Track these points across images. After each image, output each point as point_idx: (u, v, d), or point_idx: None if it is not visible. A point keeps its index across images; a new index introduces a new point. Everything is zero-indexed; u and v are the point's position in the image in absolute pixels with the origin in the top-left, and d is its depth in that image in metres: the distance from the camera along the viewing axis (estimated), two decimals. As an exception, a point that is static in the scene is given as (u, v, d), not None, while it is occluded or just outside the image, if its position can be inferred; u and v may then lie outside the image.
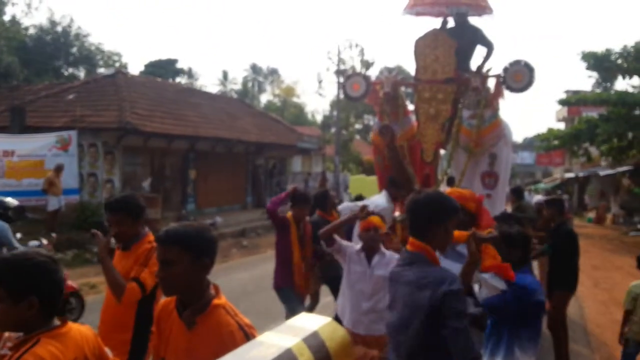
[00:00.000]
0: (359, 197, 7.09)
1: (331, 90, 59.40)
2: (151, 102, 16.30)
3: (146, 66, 40.47)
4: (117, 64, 32.33)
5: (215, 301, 2.05)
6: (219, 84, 53.45)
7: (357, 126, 38.61)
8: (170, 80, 34.15)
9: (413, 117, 6.10)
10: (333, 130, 31.88)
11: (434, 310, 2.20)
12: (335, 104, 32.03)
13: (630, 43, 21.67)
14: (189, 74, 45.99)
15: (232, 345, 1.38)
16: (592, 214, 26.50)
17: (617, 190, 26.60)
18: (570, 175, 33.89)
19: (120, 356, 3.06)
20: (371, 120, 35.46)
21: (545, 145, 25.43)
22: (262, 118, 24.27)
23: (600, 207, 26.43)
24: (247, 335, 2.01)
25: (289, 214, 5.24)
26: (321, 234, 4.08)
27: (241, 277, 10.21)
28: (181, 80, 42.72)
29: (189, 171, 17.62)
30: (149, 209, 13.42)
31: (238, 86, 54.76)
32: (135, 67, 70.39)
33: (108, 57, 33.73)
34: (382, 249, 4.02)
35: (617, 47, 21.46)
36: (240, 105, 25.13)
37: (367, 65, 29.43)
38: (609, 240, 18.87)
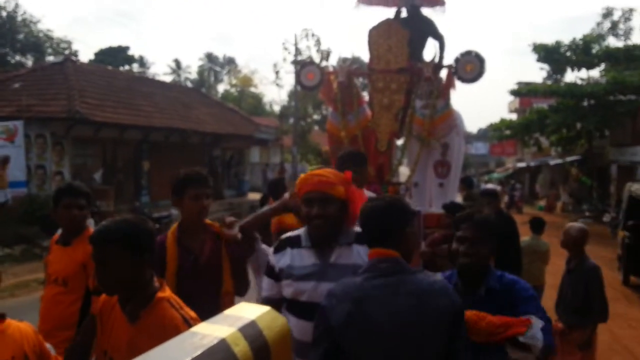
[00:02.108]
0: None
1: (289, 80, 59.26)
2: (102, 91, 15.85)
3: (96, 54, 39.22)
4: (67, 52, 31.24)
5: (160, 294, 1.98)
6: (172, 73, 52.42)
7: (316, 117, 38.57)
8: (122, 69, 33.26)
9: (367, 107, 6.11)
10: (291, 120, 31.76)
11: (453, 318, 1.90)
12: (293, 94, 31.91)
13: (579, 36, 22.47)
14: (141, 62, 44.86)
15: None
16: (543, 202, 27.42)
17: (566, 179, 27.58)
18: (522, 164, 34.94)
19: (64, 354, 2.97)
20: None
21: (498, 135, 26.11)
22: (219, 108, 23.95)
23: (550, 196, 27.37)
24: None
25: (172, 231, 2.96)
26: (242, 225, 2.99)
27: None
28: (133, 68, 41.63)
29: (143, 162, 17.24)
30: (101, 202, 13.22)
31: (193, 75, 53.86)
32: (86, 55, 68.26)
33: (57, 44, 32.58)
34: None
35: (566, 40, 22.21)
36: (196, 95, 24.73)
37: (324, 55, 29.38)
38: (559, 227, 19.42)
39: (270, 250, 2.73)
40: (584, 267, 4.44)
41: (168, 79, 47.14)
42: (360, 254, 2.35)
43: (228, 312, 1.20)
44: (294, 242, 2.47)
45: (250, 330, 1.11)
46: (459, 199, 6.57)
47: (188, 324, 1.92)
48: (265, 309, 1.25)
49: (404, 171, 6.66)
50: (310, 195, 2.39)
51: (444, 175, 5.86)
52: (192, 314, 2.04)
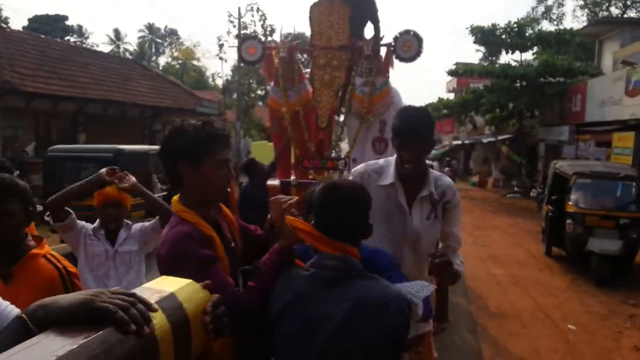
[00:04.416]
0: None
1: (233, 54, 58.06)
2: (34, 60, 15.16)
3: (30, 21, 37.13)
4: (-6, 17, 29.39)
5: (35, 250, 1.97)
6: (111, 43, 50.32)
7: (259, 92, 38.20)
8: (58, 39, 31.66)
9: (308, 83, 6.19)
10: (235, 95, 31.36)
11: (396, 336, 1.67)
12: (237, 69, 31.46)
13: (514, 19, 23.21)
14: (79, 32, 42.81)
15: (52, 294, 1.08)
16: (475, 178, 28.52)
17: (498, 156, 28.77)
18: (458, 142, 36.04)
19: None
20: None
21: (436, 114, 26.80)
22: (159, 81, 23.34)
23: (483, 172, 28.52)
24: (66, 283, 1.94)
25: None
26: (49, 201, 2.89)
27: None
28: (70, 38, 39.68)
29: (78, 135, 16.65)
30: (33, 175, 12.72)
31: (133, 46, 51.95)
32: (18, 23, 64.19)
33: (-17, 9, 30.56)
34: (126, 220, 3.31)
35: (502, 23, 22.93)
36: (135, 67, 23.95)
37: (267, 31, 29.02)
38: (490, 202, 20.52)
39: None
40: None
41: (107, 49, 45.30)
42: None
43: (146, 285, 1.14)
44: None
45: (168, 303, 1.05)
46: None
47: (64, 278, 1.93)
48: (186, 281, 1.18)
49: (345, 147, 6.82)
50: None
51: (381, 151, 6.05)
52: (74, 269, 2.02)
